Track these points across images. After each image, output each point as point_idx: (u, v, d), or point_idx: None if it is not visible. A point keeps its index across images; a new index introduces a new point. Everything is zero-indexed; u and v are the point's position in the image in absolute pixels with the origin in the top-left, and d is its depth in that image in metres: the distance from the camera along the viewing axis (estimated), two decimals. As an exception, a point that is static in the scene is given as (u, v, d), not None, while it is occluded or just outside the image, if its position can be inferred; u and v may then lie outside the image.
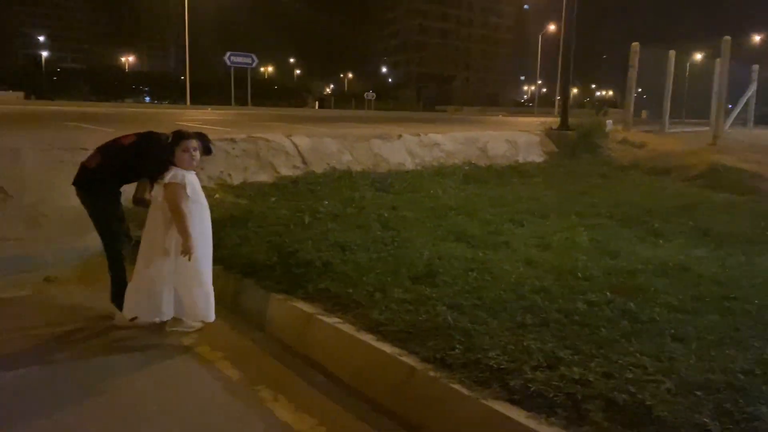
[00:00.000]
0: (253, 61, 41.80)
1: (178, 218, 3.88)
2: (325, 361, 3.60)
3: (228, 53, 40.21)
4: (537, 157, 12.39)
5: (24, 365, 3.52)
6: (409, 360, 3.12)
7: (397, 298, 3.84)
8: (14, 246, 5.39)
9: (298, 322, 3.95)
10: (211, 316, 4.14)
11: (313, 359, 3.65)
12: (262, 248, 4.93)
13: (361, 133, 10.37)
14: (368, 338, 3.42)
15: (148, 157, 4.08)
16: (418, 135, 10.77)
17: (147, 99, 78.56)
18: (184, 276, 4.02)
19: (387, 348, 3.28)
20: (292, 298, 4.16)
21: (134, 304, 4.02)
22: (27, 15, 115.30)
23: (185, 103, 39.44)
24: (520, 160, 11.67)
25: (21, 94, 52.80)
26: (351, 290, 4.02)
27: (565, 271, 4.35)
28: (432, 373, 2.96)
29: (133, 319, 4.06)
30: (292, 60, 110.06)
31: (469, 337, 3.19)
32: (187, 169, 3.99)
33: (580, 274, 4.28)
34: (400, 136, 10.41)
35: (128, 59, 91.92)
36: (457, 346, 3.11)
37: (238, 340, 4.02)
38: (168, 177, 3.88)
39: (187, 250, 3.87)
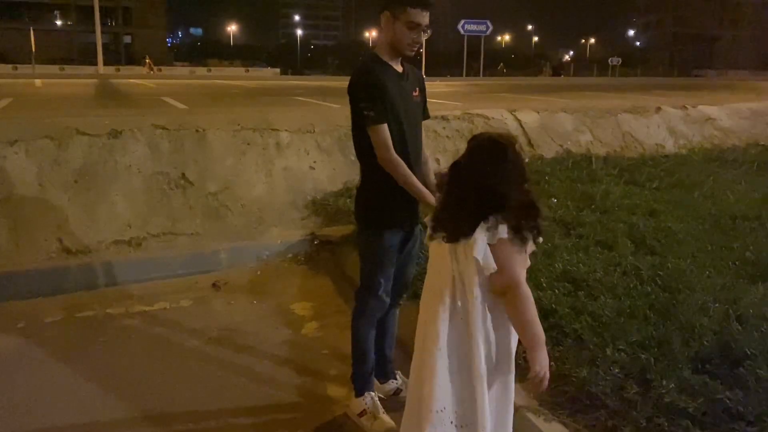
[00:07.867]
0: (487, 28, 39.91)
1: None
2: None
3: (462, 21, 38.89)
4: None
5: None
6: None
7: (669, 403, 2.21)
8: (189, 242, 4.77)
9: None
10: None
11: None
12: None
13: (605, 106, 8.34)
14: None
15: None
16: (684, 107, 8.37)
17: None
18: None
19: None
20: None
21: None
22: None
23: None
24: (835, 141, 8.58)
25: (278, 70, 57.88)
26: (584, 372, 2.47)
27: None
28: None
29: None
30: (530, 27, 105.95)
31: None
32: None
33: None
34: (658, 108, 8.16)
35: (371, 33, 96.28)
36: None
37: None
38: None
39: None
